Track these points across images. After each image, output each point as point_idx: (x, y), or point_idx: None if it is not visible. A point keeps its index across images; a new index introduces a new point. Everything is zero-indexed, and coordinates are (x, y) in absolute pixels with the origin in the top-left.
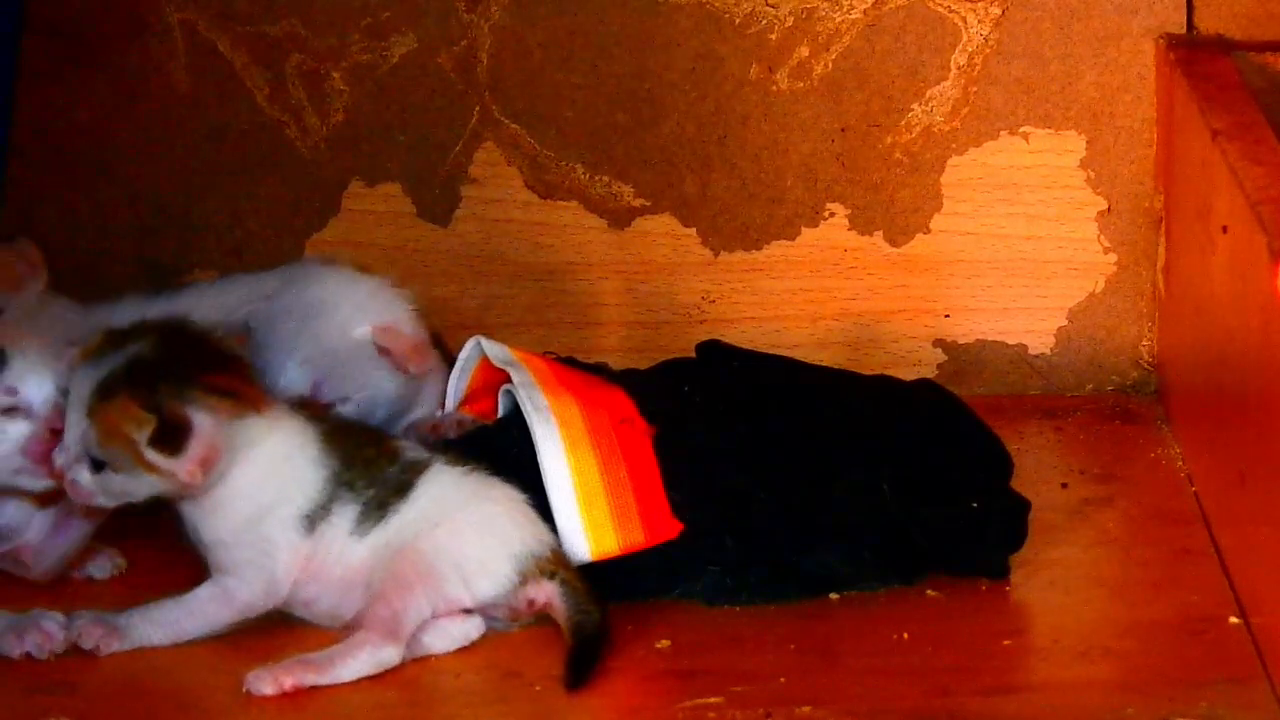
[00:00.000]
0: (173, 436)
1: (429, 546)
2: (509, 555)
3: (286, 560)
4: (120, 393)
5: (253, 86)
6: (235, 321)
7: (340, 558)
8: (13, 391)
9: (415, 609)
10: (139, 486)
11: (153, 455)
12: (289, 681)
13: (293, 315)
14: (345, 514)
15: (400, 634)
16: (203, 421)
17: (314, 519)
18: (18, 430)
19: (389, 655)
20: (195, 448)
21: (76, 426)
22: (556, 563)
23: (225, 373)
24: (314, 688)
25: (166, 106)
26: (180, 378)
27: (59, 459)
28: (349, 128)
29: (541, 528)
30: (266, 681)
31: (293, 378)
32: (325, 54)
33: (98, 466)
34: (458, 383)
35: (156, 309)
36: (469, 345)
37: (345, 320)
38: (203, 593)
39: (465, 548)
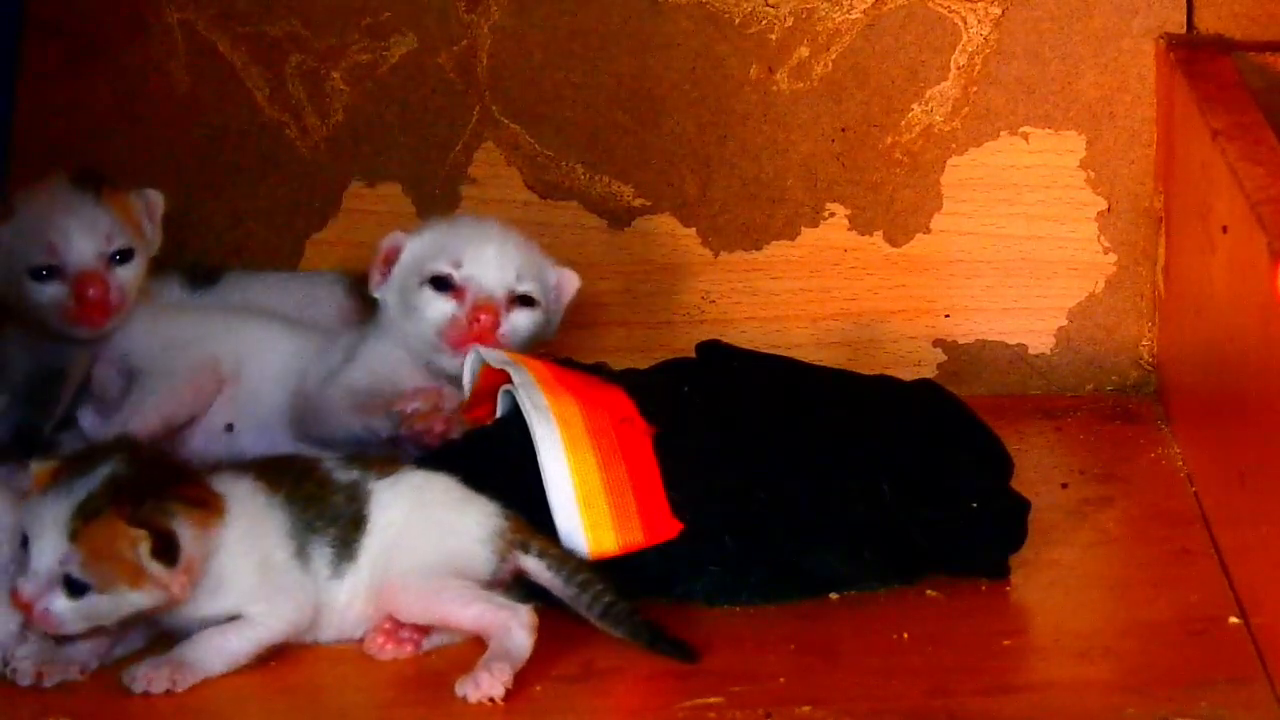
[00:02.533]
0: (166, 548)
1: (416, 565)
2: (477, 541)
3: (305, 588)
4: (107, 511)
5: (253, 86)
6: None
7: (330, 599)
8: None
9: (468, 595)
10: (120, 606)
11: (155, 568)
12: (504, 679)
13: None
14: (321, 556)
15: (500, 612)
16: (185, 533)
17: (302, 560)
18: None
19: (519, 639)
20: (183, 559)
21: (51, 552)
22: (520, 530)
23: (192, 484)
24: (313, 687)
25: (166, 106)
26: (159, 493)
27: (26, 589)
28: (349, 128)
29: (484, 504)
30: (482, 689)
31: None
32: (325, 54)
33: (76, 591)
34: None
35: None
36: (470, 357)
37: None
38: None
39: (438, 553)
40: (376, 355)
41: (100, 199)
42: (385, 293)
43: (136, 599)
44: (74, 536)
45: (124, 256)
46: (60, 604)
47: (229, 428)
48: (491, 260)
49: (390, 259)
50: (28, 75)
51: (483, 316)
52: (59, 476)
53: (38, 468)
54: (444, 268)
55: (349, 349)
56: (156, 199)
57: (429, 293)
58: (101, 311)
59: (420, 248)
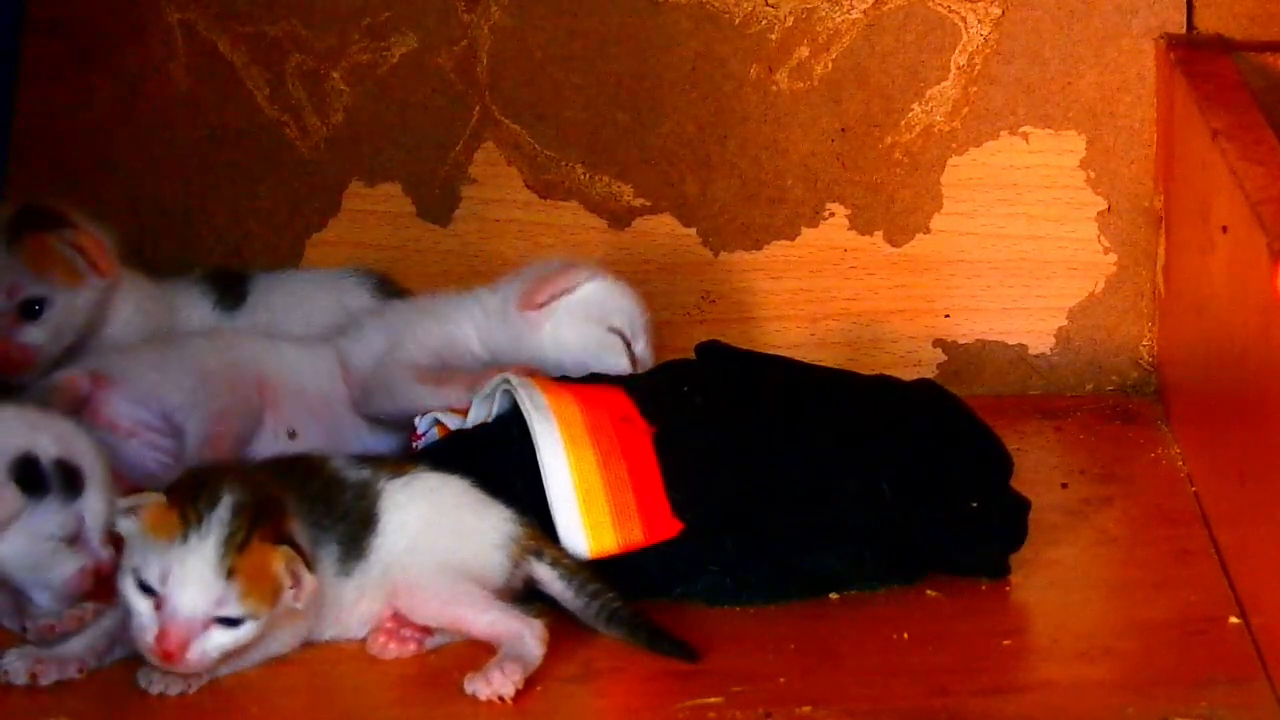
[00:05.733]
0: (304, 558)
1: (432, 567)
2: (493, 546)
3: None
4: (254, 539)
5: (253, 86)
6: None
7: (336, 598)
8: (81, 521)
9: (484, 601)
10: (260, 629)
11: (308, 578)
12: (515, 679)
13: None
14: (328, 554)
15: (513, 622)
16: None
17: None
18: (73, 562)
19: (532, 647)
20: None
21: (205, 595)
22: (534, 537)
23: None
24: (314, 687)
25: (166, 106)
26: (276, 507)
27: (176, 634)
28: (349, 128)
29: (500, 509)
30: (493, 686)
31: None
32: (325, 54)
33: (232, 624)
34: (478, 409)
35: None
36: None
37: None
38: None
39: (455, 556)
40: (434, 336)
41: (13, 247)
42: (543, 318)
43: (271, 618)
44: (230, 574)
45: (39, 305)
46: (216, 639)
47: (291, 434)
48: (651, 349)
49: (568, 292)
50: (28, 75)
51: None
52: (185, 516)
53: (139, 505)
54: (626, 330)
55: (390, 328)
56: (81, 236)
57: (618, 342)
58: (3, 368)
59: (600, 297)
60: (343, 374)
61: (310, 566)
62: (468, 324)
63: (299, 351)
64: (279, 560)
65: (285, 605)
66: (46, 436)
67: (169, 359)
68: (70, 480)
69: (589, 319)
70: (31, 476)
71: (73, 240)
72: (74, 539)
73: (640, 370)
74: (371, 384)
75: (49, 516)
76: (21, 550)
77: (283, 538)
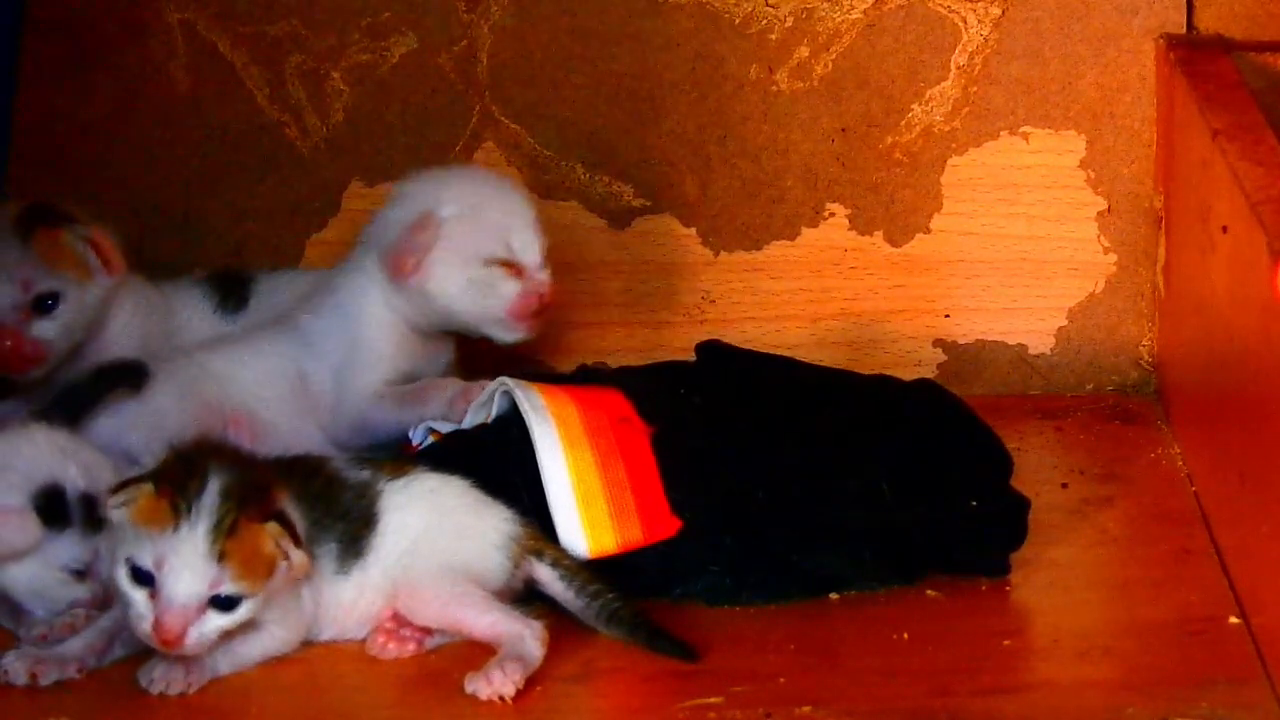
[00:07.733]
0: (293, 529)
1: (432, 568)
2: (493, 547)
3: (314, 594)
4: (243, 521)
5: (253, 86)
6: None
7: (333, 596)
8: (96, 556)
9: (485, 602)
10: (259, 606)
11: (295, 552)
12: (515, 679)
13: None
14: (327, 553)
15: (514, 623)
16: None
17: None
18: (78, 593)
19: (533, 648)
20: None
21: (200, 580)
22: (534, 537)
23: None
24: (315, 686)
25: (166, 106)
26: (261, 482)
27: (173, 622)
28: (349, 128)
29: (500, 509)
30: (493, 686)
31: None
32: (325, 54)
33: (228, 606)
34: (474, 415)
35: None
36: (492, 389)
37: None
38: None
39: (455, 557)
40: (382, 334)
41: (27, 241)
42: (424, 280)
43: (267, 593)
44: (222, 557)
45: (52, 300)
46: (213, 622)
47: None
48: (535, 240)
49: (429, 246)
50: (28, 75)
51: (544, 295)
52: (175, 505)
53: (131, 497)
54: (502, 251)
55: (343, 341)
56: (95, 232)
57: (499, 272)
58: (15, 364)
59: (462, 231)
60: (305, 386)
61: (298, 540)
62: (378, 293)
63: (264, 369)
64: (269, 538)
65: (280, 578)
66: (76, 467)
67: (127, 402)
68: (93, 515)
69: (462, 261)
70: (55, 508)
71: (86, 236)
72: (84, 572)
73: (541, 276)
74: (345, 418)
75: (65, 549)
76: (31, 576)
77: (270, 514)
